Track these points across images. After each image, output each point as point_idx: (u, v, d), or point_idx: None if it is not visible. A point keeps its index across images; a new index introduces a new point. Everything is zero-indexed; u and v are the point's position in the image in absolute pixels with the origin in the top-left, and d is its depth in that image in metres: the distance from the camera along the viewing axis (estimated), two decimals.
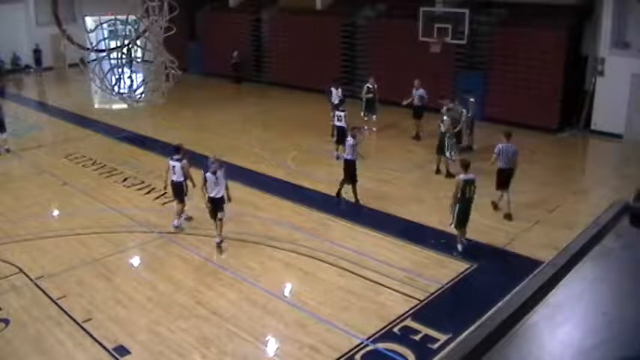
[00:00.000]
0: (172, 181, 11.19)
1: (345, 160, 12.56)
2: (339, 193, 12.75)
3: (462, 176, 9.96)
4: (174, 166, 11.07)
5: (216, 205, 10.30)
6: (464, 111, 14.91)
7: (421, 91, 16.77)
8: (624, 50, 16.80)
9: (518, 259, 9.93)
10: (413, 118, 17.16)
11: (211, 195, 10.18)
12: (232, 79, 26.20)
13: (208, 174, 10.13)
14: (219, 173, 10.18)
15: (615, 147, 16.65)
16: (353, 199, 12.50)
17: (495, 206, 11.82)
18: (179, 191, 11.22)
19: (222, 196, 10.31)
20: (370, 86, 17.33)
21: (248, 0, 27.16)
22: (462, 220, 10.09)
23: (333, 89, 16.92)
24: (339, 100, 16.13)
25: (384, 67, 20.72)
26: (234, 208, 12.39)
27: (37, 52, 29.37)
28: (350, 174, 12.42)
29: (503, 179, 11.53)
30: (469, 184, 9.97)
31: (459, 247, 10.21)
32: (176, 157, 11.11)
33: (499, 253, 10.34)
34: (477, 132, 16.04)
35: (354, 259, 10.00)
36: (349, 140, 12.49)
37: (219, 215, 10.35)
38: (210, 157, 10.38)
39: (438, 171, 14.14)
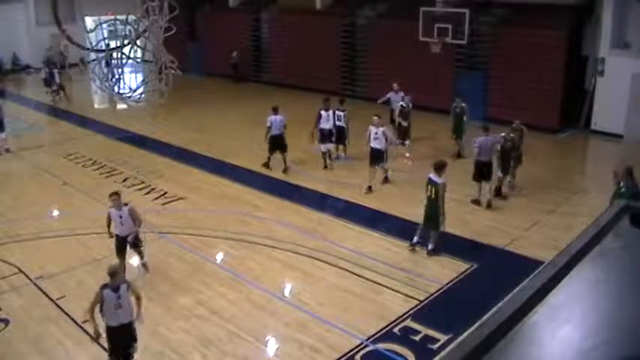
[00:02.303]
0: (117, 235, 9.21)
1: (273, 136, 14.14)
2: (268, 164, 14.56)
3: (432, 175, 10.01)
4: (120, 216, 9.03)
5: (121, 338, 6.94)
6: (523, 128, 13.08)
7: (401, 94, 15.86)
8: (624, 50, 16.81)
9: (518, 259, 9.93)
10: (391, 123, 16.20)
11: (112, 324, 6.84)
12: (232, 79, 26.21)
13: (107, 290, 6.70)
14: (122, 292, 6.76)
15: (615, 147, 16.64)
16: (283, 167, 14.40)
17: (477, 202, 12.20)
18: (125, 244, 9.28)
19: (131, 323, 6.97)
20: (405, 105, 15.14)
21: (248, 0, 27.18)
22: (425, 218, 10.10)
23: (322, 112, 14.40)
24: (328, 130, 14.37)
25: (383, 67, 20.74)
26: (235, 208, 12.43)
27: (62, 56, 28.79)
28: (278, 145, 14.22)
29: (482, 171, 12.00)
30: (429, 184, 9.94)
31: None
32: (113, 205, 9.04)
33: (499, 253, 10.34)
34: (476, 132, 16.01)
35: (354, 259, 10.00)
36: (281, 117, 14.14)
37: (130, 350, 7.01)
38: (109, 268, 6.93)
39: (498, 193, 12.64)
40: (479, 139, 12.11)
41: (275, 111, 14.27)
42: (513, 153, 12.42)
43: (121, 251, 9.27)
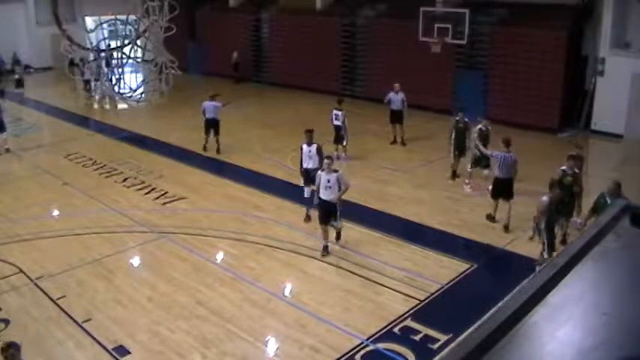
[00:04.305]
0: None
1: (206, 120, 15.95)
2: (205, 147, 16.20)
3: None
4: None
5: None
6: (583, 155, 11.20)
7: (402, 95, 15.93)
8: (624, 50, 16.82)
9: (518, 259, 9.94)
10: (391, 123, 16.41)
11: None
12: (232, 80, 26.21)
13: None
14: None
15: (615, 147, 16.65)
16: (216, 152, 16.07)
17: (492, 219, 11.30)
18: None
19: None
20: (484, 129, 12.79)
21: (248, 0, 27.19)
22: None
23: (304, 147, 11.38)
24: (313, 169, 10.94)
25: (383, 67, 20.75)
26: (235, 208, 12.42)
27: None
28: (212, 128, 16.01)
29: (501, 189, 11.03)
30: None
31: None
32: None
33: (499, 253, 10.35)
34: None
35: (354, 259, 10.00)
36: (214, 104, 15.72)
37: None
38: None
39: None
40: (499, 154, 11.03)
41: (211, 98, 16.15)
42: (576, 188, 10.38)
43: None
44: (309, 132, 11.43)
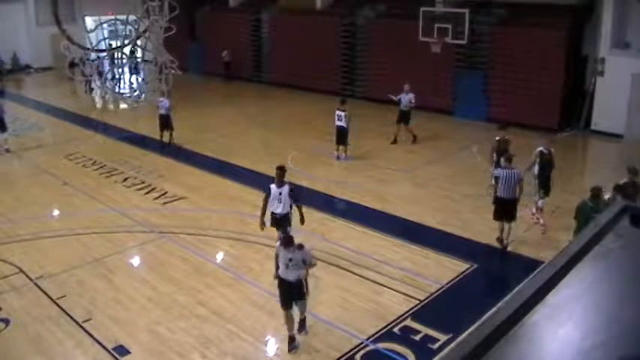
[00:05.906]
0: None
1: (159, 115, 16.80)
2: (162, 139, 17.05)
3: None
4: None
5: None
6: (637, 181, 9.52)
7: (410, 96, 15.98)
8: (624, 50, 16.82)
9: (518, 259, 9.93)
10: (397, 123, 16.38)
11: None
12: (222, 78, 26.30)
13: None
14: None
15: (615, 147, 16.65)
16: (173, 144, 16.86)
17: (501, 241, 10.37)
18: None
19: None
20: (546, 152, 11.37)
21: (248, 0, 27.19)
22: None
23: (273, 187, 9.42)
24: (283, 215, 9.39)
25: (383, 67, 20.74)
26: (235, 208, 12.42)
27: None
28: (164, 124, 16.92)
29: (503, 210, 10.11)
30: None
31: None
32: None
33: (499, 253, 10.34)
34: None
35: (354, 259, 10.00)
36: (163, 102, 16.79)
37: None
38: None
39: None
40: (500, 171, 10.21)
41: (164, 95, 17.79)
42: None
43: None
44: (281, 170, 9.39)
